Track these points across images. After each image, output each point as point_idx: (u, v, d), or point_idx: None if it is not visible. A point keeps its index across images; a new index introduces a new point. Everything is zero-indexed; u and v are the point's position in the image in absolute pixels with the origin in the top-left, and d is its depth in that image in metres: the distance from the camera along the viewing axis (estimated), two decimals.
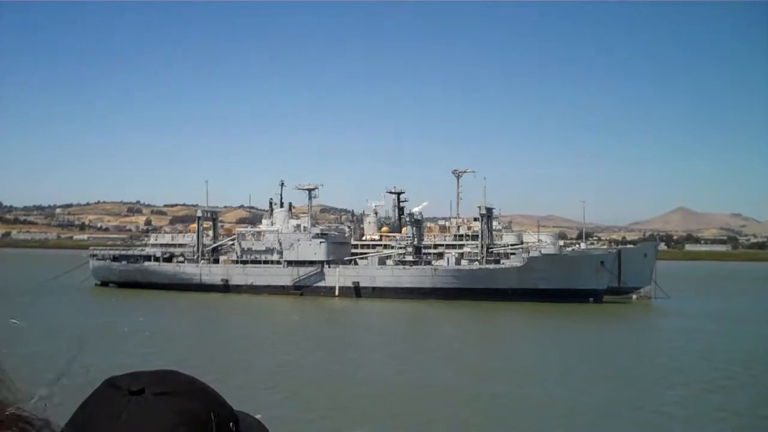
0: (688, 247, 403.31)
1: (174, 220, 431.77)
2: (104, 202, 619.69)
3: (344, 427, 28.95)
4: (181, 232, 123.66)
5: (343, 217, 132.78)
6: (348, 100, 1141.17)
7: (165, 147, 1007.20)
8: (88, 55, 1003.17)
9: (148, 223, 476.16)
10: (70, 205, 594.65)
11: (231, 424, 1.82)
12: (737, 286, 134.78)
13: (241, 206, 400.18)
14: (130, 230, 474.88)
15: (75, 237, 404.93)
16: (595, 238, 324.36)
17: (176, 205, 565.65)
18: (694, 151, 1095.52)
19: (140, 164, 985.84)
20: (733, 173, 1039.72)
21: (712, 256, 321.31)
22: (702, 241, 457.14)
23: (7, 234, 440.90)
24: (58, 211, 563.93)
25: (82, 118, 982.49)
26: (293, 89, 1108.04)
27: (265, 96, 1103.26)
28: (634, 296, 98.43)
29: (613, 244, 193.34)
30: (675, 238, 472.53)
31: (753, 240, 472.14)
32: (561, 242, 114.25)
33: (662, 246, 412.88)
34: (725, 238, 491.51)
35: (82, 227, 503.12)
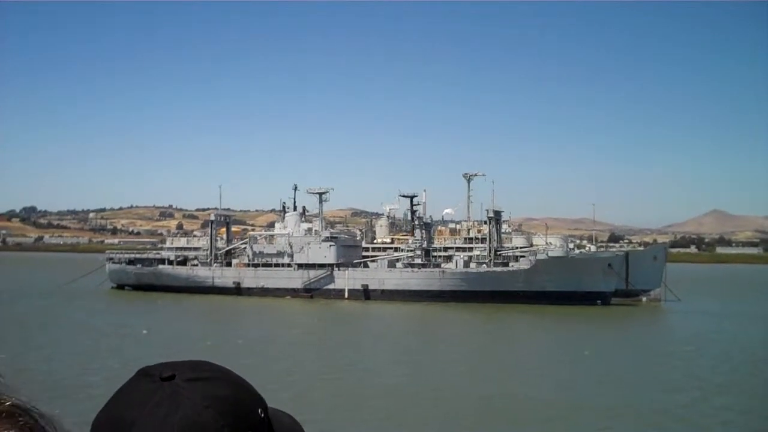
0: (719, 249, 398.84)
1: (205, 224, 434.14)
2: (137, 207, 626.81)
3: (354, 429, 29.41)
4: (196, 236, 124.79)
5: (373, 220, 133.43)
6: (384, 104, 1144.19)
7: (198, 151, 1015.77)
8: (124, 62, 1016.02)
9: (179, 227, 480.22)
10: (103, 210, 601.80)
11: (260, 410, 1.88)
12: (757, 289, 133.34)
13: (273, 210, 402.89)
14: (161, 234, 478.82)
15: (106, 241, 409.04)
16: (625, 240, 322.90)
17: (208, 209, 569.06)
18: (730, 153, 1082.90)
19: (174, 169, 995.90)
20: None
21: (741, 260, 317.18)
22: (733, 244, 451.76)
23: (40, 238, 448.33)
24: (91, 215, 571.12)
25: (116, 124, 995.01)
26: (323, 94, 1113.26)
27: (295, 100, 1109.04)
28: (644, 299, 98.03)
29: (642, 246, 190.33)
30: (706, 240, 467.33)
31: None
32: (572, 244, 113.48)
33: (693, 249, 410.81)
34: (758, 240, 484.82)
35: (114, 231, 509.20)
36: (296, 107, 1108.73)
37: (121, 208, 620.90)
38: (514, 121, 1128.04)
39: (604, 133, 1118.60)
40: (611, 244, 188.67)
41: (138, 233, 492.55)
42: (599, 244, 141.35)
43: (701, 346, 56.57)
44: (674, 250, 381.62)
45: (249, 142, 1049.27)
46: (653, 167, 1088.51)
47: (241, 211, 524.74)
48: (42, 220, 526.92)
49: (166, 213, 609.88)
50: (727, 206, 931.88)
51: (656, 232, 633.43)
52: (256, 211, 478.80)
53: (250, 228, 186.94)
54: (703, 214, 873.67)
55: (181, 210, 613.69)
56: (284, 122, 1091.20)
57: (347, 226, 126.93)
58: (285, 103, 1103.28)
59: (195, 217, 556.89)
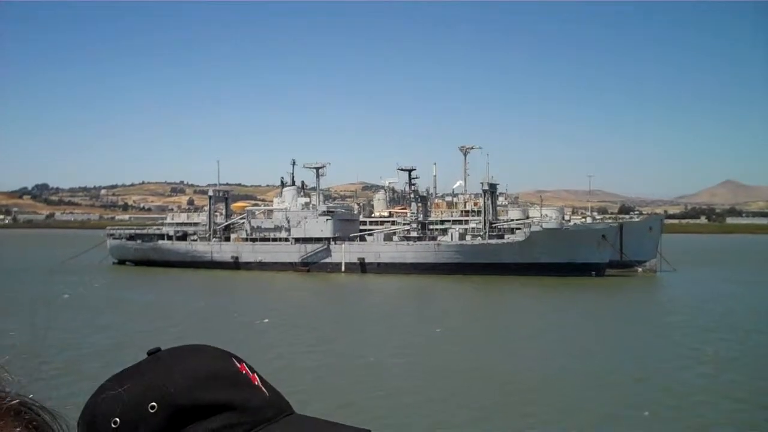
0: (730, 220, 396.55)
1: (221, 199, 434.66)
2: (148, 183, 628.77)
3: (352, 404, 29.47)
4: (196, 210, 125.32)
5: (370, 193, 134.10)
6: (399, 80, 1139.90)
7: (210, 127, 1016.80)
8: (129, 38, 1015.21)
9: (190, 202, 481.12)
10: (114, 186, 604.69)
11: (152, 405, 1.72)
12: (756, 258, 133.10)
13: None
14: (172, 210, 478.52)
15: (117, 217, 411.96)
16: (636, 212, 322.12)
17: (219, 184, 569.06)
18: (744, 124, 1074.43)
19: (185, 144, 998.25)
20: None
21: (750, 230, 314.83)
22: (744, 215, 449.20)
23: (51, 215, 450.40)
24: (102, 192, 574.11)
25: (128, 101, 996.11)
26: (334, 70, 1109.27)
27: (306, 76, 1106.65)
28: (640, 269, 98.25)
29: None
30: (717, 211, 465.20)
31: None
32: (566, 216, 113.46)
33: (703, 219, 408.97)
34: None
35: (125, 208, 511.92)
36: (307, 82, 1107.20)
37: (132, 185, 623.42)
38: (530, 96, 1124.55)
39: (621, 106, 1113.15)
40: (621, 216, 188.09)
41: (149, 209, 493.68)
42: (604, 216, 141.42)
43: (688, 315, 57.35)
44: (684, 221, 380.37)
45: (261, 117, 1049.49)
46: (667, 139, 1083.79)
47: (252, 185, 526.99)
48: (53, 197, 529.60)
49: (177, 189, 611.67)
50: (741, 177, 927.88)
51: (668, 204, 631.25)
52: (267, 186, 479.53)
53: (261, 202, 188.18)
54: (716, 184, 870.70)
55: (192, 186, 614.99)
56: (296, 98, 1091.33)
57: (357, 200, 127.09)
58: (296, 79, 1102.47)
59: (206, 193, 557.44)
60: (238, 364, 1.81)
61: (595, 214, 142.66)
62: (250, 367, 1.84)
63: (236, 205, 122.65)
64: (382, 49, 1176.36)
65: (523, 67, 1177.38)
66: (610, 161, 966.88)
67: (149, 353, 1.82)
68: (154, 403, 1.71)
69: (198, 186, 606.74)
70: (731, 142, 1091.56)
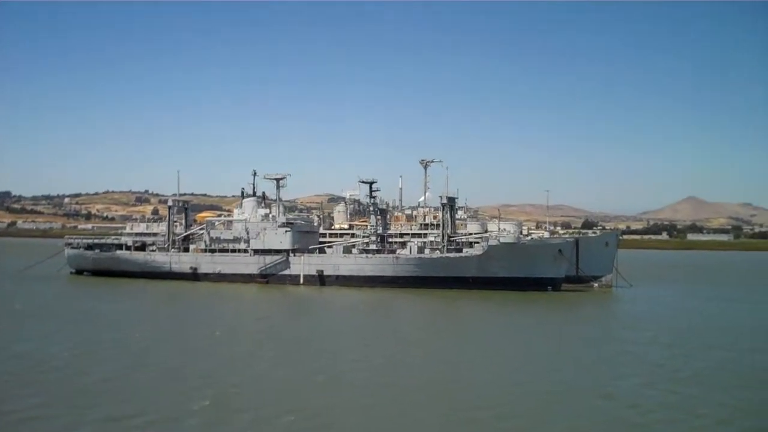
0: (691, 236, 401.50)
1: (180, 210, 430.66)
2: (113, 192, 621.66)
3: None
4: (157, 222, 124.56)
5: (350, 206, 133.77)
6: (365, 94, 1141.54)
7: (174, 137, 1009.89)
8: (96, 46, 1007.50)
9: (155, 212, 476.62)
10: (78, 195, 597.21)
11: None
12: (712, 274, 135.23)
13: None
14: (136, 219, 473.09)
15: (80, 226, 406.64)
16: (599, 227, 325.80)
17: (184, 194, 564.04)
18: (707, 140, 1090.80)
19: (150, 154, 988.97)
20: (744, 163, 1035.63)
21: (710, 246, 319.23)
22: (705, 231, 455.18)
23: (13, 223, 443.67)
24: (66, 200, 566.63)
25: (92, 109, 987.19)
26: (298, 83, 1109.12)
27: (284, 84, 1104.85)
28: (596, 284, 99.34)
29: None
30: (679, 227, 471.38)
31: (758, 229, 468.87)
32: (524, 230, 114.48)
33: (665, 235, 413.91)
34: (729, 227, 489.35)
35: (89, 217, 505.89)
36: (282, 92, 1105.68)
37: (96, 194, 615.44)
38: (499, 108, 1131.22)
39: (584, 122, 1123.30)
40: (584, 231, 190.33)
41: (113, 219, 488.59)
42: (567, 231, 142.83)
43: (641, 330, 58.19)
44: (646, 237, 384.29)
45: (228, 128, 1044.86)
46: (631, 154, 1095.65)
47: (218, 196, 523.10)
48: (15, 205, 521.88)
49: (142, 198, 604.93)
50: (703, 193, 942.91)
51: (631, 219, 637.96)
52: (233, 196, 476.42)
53: (226, 213, 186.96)
54: (678, 200, 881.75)
55: (157, 195, 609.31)
56: (266, 108, 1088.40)
57: (318, 212, 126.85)
58: (270, 89, 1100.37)
59: None
60: None
61: (559, 228, 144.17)
62: None
63: (201, 216, 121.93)
64: (372, 53, 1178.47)
65: (500, 78, 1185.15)
66: (575, 177, 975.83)
67: None
68: None
69: (163, 195, 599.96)
70: (693, 159, 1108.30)
